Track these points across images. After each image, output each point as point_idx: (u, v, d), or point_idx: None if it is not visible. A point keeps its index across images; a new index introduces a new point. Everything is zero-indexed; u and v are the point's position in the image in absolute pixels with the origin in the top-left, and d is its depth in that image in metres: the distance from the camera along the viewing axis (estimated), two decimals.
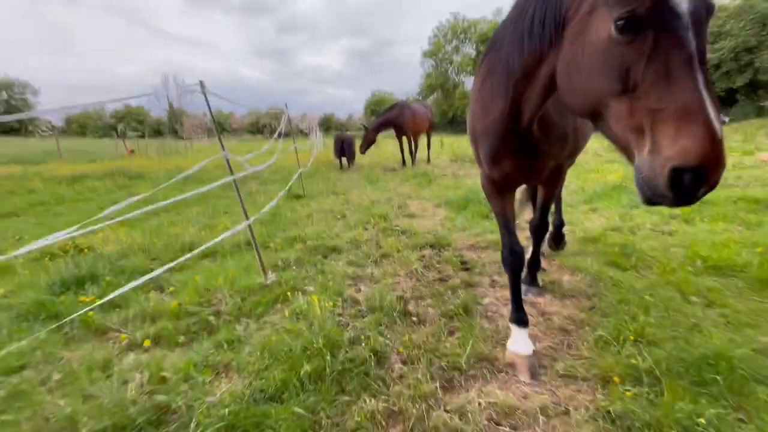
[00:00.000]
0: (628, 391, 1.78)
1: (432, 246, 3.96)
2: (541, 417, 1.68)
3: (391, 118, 10.58)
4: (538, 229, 2.63)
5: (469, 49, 51.10)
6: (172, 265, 2.61)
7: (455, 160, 11.65)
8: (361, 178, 9.14)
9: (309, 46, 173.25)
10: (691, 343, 2.09)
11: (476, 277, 3.16)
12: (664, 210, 4.51)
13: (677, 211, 4.52)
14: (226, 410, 1.67)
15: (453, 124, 45.71)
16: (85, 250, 3.86)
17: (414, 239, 4.14)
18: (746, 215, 4.35)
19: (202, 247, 3.01)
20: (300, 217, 5.30)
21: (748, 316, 2.38)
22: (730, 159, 8.58)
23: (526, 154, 1.91)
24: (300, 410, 1.70)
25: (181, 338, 2.34)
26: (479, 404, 1.78)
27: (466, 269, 3.34)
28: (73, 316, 2.29)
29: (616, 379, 1.86)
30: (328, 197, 6.83)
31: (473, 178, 8.05)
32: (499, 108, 1.80)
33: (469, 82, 47.25)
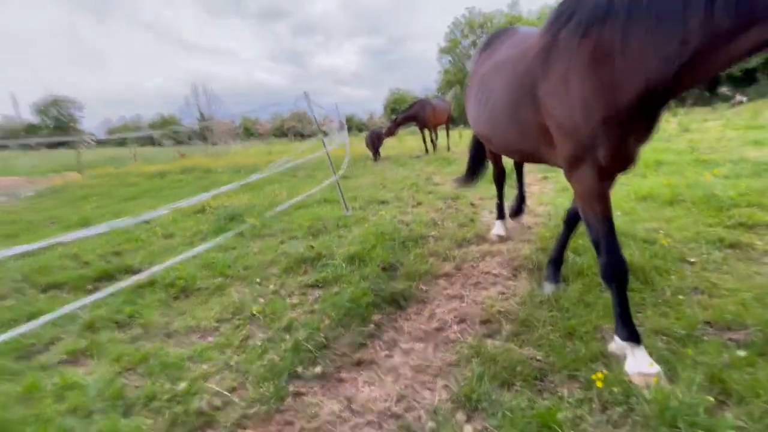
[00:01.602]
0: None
1: (451, 198, 5.68)
2: (505, 248, 3.40)
3: (412, 114, 12.32)
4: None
5: None
6: (289, 204, 4.45)
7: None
8: (391, 164, 10.90)
9: (325, 47, 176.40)
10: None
11: (479, 210, 4.86)
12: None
13: (638, 170, 6.03)
14: (349, 250, 3.47)
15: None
16: (220, 207, 5.81)
17: (438, 195, 5.87)
18: (691, 172, 5.81)
19: (302, 197, 4.85)
20: (352, 187, 7.12)
21: (647, 217, 3.97)
22: (723, 133, 9.76)
23: (643, 139, 1.79)
24: (383, 256, 3.45)
25: (311, 234, 4.17)
26: (475, 251, 3.50)
27: (473, 205, 5.06)
28: (244, 227, 4.17)
29: None
30: (368, 176, 8.64)
31: None
32: (634, 90, 1.55)
33: None
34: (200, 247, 3.55)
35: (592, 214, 1.91)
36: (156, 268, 3.09)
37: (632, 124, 1.69)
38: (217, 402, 1.93)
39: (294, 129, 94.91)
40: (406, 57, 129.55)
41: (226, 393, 1.99)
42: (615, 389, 1.70)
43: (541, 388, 1.84)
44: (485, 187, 6.47)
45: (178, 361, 2.25)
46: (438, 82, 54.44)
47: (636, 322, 1.99)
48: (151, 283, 3.28)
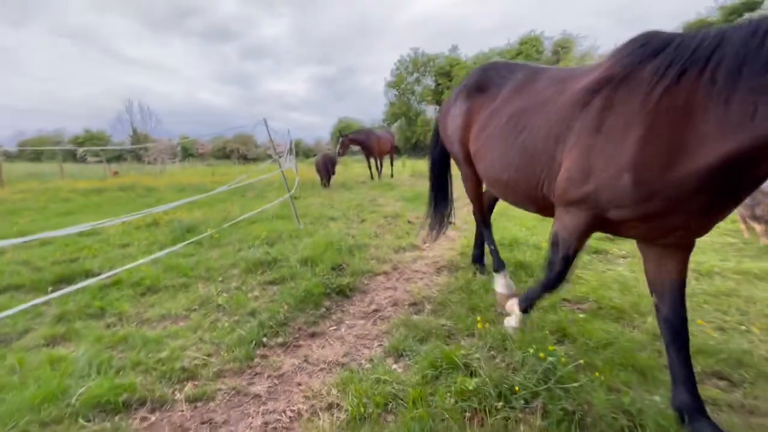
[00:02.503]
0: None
1: (392, 216, 6.45)
2: (431, 254, 4.18)
3: (360, 140, 13.22)
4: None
5: (429, 81, 55.52)
6: (243, 217, 4.92)
7: (413, 176, 14.39)
8: (338, 187, 11.58)
9: (274, 72, 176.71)
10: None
11: (414, 226, 5.67)
12: None
13: None
14: (302, 254, 4.03)
15: (416, 149, 49.14)
16: (174, 221, 6.03)
17: (381, 213, 6.62)
18: None
19: (255, 212, 5.33)
20: (302, 206, 7.65)
21: (542, 231, 4.99)
22: None
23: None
24: (327, 265, 4.05)
25: (267, 243, 4.66)
26: (408, 256, 4.24)
27: (410, 222, 5.86)
28: (203, 236, 4.56)
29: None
30: (317, 198, 9.21)
31: (422, 184, 10.73)
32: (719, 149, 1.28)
33: (430, 112, 51.14)
34: (161, 253, 3.90)
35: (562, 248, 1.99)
36: (119, 269, 3.42)
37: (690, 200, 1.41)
38: (197, 362, 2.39)
39: (238, 151, 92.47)
40: (355, 87, 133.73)
41: (204, 357, 2.45)
42: (498, 337, 2.45)
43: (448, 342, 2.55)
44: (419, 206, 7.35)
45: (156, 338, 2.66)
46: (385, 114, 56.94)
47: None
48: (116, 283, 3.58)
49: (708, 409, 1.79)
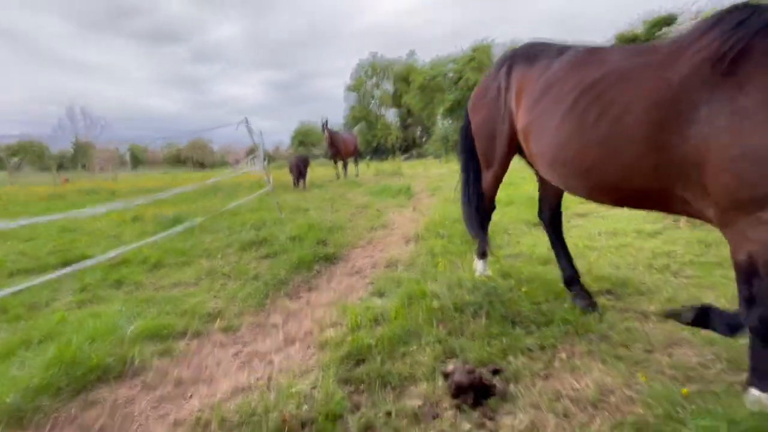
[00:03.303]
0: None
1: (362, 206, 7.15)
2: (400, 231, 4.93)
3: (332, 138, 13.71)
4: None
5: (388, 86, 56.70)
6: (225, 209, 5.43)
7: (377, 174, 15.18)
8: (308, 185, 12.12)
9: (227, 76, 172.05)
10: None
11: (383, 214, 6.41)
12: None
13: None
14: (289, 233, 4.64)
15: (377, 151, 50.07)
16: (159, 214, 6.36)
17: (351, 204, 7.30)
18: (526, 187, 8.20)
19: (236, 203, 5.84)
20: (278, 201, 8.17)
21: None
22: None
23: None
24: (312, 241, 4.68)
25: (254, 229, 5.19)
26: (380, 233, 4.95)
27: (378, 210, 6.60)
28: (193, 222, 5.03)
29: None
30: (290, 195, 9.73)
31: (386, 181, 11.53)
32: None
33: (390, 115, 52.21)
34: (158, 236, 4.36)
35: None
36: (124, 249, 3.87)
37: None
38: (219, 308, 2.96)
39: (193, 158, 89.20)
40: (312, 92, 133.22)
41: (223, 306, 3.02)
42: (454, 278, 3.21)
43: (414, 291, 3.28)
44: (384, 198, 8.12)
45: (177, 297, 3.19)
46: (345, 118, 57.51)
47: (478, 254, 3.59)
48: (123, 262, 4.01)
49: (599, 310, 2.64)
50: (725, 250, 3.89)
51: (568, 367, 2.15)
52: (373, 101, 56.65)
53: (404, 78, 47.92)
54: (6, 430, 1.76)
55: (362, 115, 56.83)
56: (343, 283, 3.50)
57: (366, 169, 18.79)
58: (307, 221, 5.28)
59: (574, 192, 2.26)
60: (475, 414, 1.83)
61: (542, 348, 2.32)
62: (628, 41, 22.05)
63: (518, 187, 8.20)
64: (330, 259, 4.02)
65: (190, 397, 2.02)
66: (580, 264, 3.32)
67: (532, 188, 7.45)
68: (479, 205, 3.12)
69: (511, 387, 2.00)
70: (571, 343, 2.37)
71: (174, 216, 5.87)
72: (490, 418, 1.81)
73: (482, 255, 3.28)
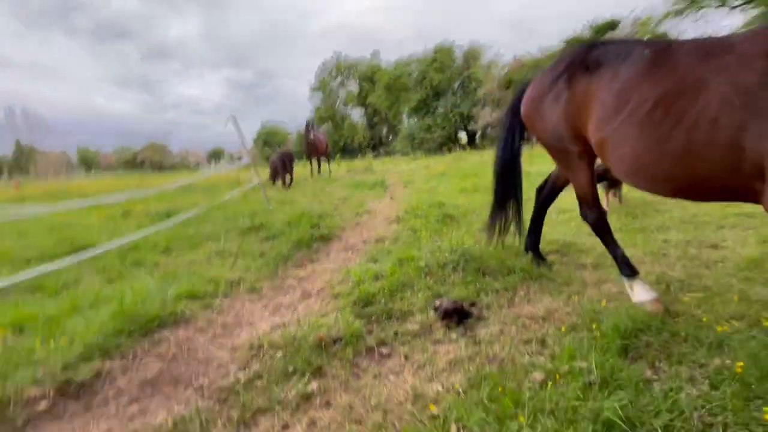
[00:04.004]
0: None
1: (344, 198, 7.73)
2: (382, 215, 5.57)
3: (309, 137, 14.03)
4: None
5: (353, 86, 57.02)
6: (212, 205, 5.85)
7: (350, 171, 15.74)
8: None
9: (183, 75, 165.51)
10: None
11: (365, 203, 7.02)
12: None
13: (460, 175, 9.07)
14: (284, 219, 5.15)
15: (345, 151, 50.34)
16: (149, 210, 6.61)
17: (333, 197, 7.86)
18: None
19: (230, 194, 6.25)
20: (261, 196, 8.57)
21: (461, 198, 6.64)
22: None
23: None
24: (307, 225, 5.22)
25: (249, 218, 5.65)
26: (366, 218, 5.57)
27: (359, 201, 7.21)
28: (191, 214, 5.42)
29: None
30: (271, 191, 10.09)
31: (360, 177, 12.13)
32: None
33: (356, 115, 52.47)
34: (161, 225, 4.74)
35: None
36: (134, 236, 4.26)
37: None
38: (239, 276, 3.47)
39: (151, 161, 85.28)
40: (275, 92, 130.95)
41: (241, 275, 3.53)
42: (435, 246, 3.87)
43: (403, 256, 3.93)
44: (362, 191, 8.74)
45: (197, 270, 3.65)
46: (310, 118, 57.29)
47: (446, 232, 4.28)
48: (135, 247, 4.38)
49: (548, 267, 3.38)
50: (646, 221, 4.82)
51: (525, 300, 2.87)
52: (338, 101, 56.86)
53: (369, 78, 48.30)
54: (98, 360, 2.23)
55: (328, 115, 56.81)
56: (341, 256, 4.09)
57: (337, 168, 19.28)
58: (299, 209, 5.80)
59: (657, 193, 2.33)
60: (459, 329, 2.49)
61: (506, 289, 3.03)
62: (575, 45, 23.84)
63: (482, 177, 9.07)
64: (325, 239, 4.58)
65: (238, 334, 2.56)
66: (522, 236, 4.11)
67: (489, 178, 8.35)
68: (509, 216, 3.44)
69: (484, 312, 2.69)
70: (527, 285, 3.10)
71: (166, 210, 6.18)
72: (470, 330, 2.48)
73: (631, 271, 2.60)
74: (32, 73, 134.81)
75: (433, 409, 1.75)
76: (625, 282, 2.64)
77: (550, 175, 3.36)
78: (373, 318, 2.65)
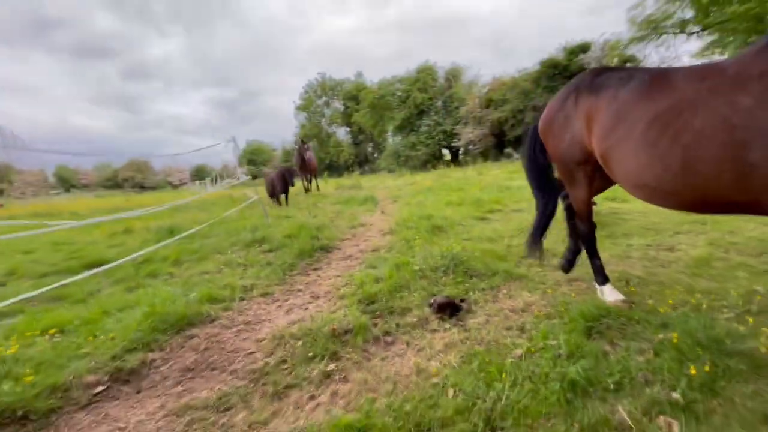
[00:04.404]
0: None
1: (336, 213, 8.12)
2: (376, 227, 5.99)
3: (302, 154, 14.42)
4: None
5: (338, 105, 57.95)
6: (213, 221, 6.18)
7: (338, 188, 16.17)
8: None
9: (165, 94, 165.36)
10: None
11: (357, 216, 7.42)
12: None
13: (446, 190, 9.60)
14: (284, 233, 5.52)
15: (330, 168, 50.80)
16: (150, 226, 6.85)
17: (328, 211, 8.25)
18: (472, 191, 9.63)
19: (230, 211, 6.58)
20: (257, 212, 8.89)
21: (448, 210, 7.13)
22: (498, 175, 14.91)
23: None
24: (307, 237, 5.59)
25: (250, 231, 5.97)
26: (361, 230, 5.97)
27: (353, 215, 7.62)
28: (194, 230, 5.73)
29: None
30: (268, 207, 10.42)
31: (349, 193, 12.56)
32: None
33: (341, 133, 53.18)
34: (167, 241, 5.04)
35: None
36: (145, 251, 4.56)
37: None
38: (251, 282, 3.81)
39: (133, 180, 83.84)
40: (259, 110, 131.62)
41: (253, 282, 3.87)
42: (428, 253, 4.30)
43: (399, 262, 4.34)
44: (352, 207, 9.16)
45: (210, 279, 3.97)
46: (296, 136, 57.81)
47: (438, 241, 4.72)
48: (146, 260, 4.67)
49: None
50: (614, 229, 5.37)
51: (507, 296, 3.31)
52: (323, 120, 57.72)
53: (353, 97, 49.18)
54: (140, 352, 2.55)
55: (313, 133, 57.40)
56: (341, 264, 4.47)
57: (325, 185, 19.69)
58: (297, 223, 6.17)
59: (663, 206, 2.47)
60: (451, 320, 2.90)
61: (491, 288, 3.47)
62: (550, 66, 25.19)
63: (466, 191, 9.62)
64: (325, 249, 4.96)
65: (260, 329, 2.91)
66: (509, 242, 4.60)
67: (477, 193, 8.88)
68: (547, 224, 3.36)
69: (472, 307, 3.11)
70: (509, 284, 3.54)
71: (168, 227, 6.46)
72: (461, 321, 2.90)
73: (604, 279, 3.01)
74: (8, 91, 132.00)
75: (435, 377, 2.15)
76: (598, 287, 3.07)
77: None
78: (376, 313, 3.04)
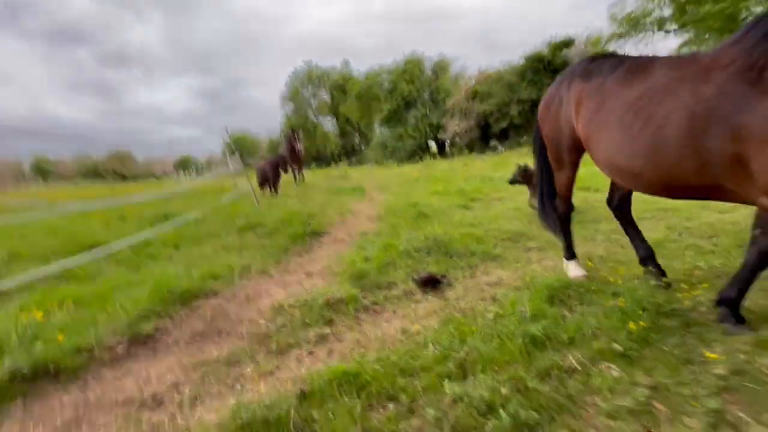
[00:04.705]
0: None
1: (326, 202, 8.40)
2: (365, 214, 6.31)
3: (292, 144, 14.42)
4: None
5: (325, 95, 57.45)
6: (225, 200, 6.39)
7: (326, 179, 16.43)
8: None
9: (145, 82, 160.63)
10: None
11: (347, 205, 7.72)
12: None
13: (432, 180, 9.95)
14: (277, 219, 5.78)
15: (317, 159, 50.59)
16: (143, 214, 7.01)
17: (316, 200, 8.52)
18: (457, 181, 10.00)
19: (227, 198, 6.79)
20: (247, 201, 9.09)
21: (433, 199, 7.48)
22: (483, 166, 15.34)
23: None
24: (298, 223, 5.86)
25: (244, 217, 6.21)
26: (350, 216, 6.28)
27: (342, 203, 7.91)
28: (186, 218, 5.95)
29: None
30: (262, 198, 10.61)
31: (337, 183, 12.83)
32: None
33: (327, 124, 52.80)
34: (163, 227, 5.25)
35: None
36: (143, 234, 4.77)
37: None
38: (249, 263, 4.09)
39: (114, 171, 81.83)
40: (243, 100, 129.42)
41: (250, 262, 4.15)
42: (412, 236, 4.63)
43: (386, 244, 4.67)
44: (341, 197, 9.45)
45: (210, 258, 4.23)
46: (282, 127, 57.29)
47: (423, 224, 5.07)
48: (146, 244, 4.89)
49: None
50: (584, 215, 5.80)
51: (483, 273, 3.68)
52: (309, 110, 57.28)
53: (340, 87, 48.82)
54: (153, 320, 2.82)
55: (299, 123, 56.75)
56: (332, 247, 4.78)
57: (313, 176, 19.86)
58: (288, 210, 6.43)
59: (635, 189, 2.64)
60: (433, 293, 3.25)
61: (469, 266, 3.83)
62: (535, 60, 25.68)
63: (451, 182, 9.99)
64: (317, 234, 5.26)
65: (260, 301, 3.21)
66: (487, 227, 4.98)
67: (461, 183, 9.27)
68: (554, 205, 3.40)
69: (452, 282, 3.46)
70: (486, 263, 3.91)
71: (163, 213, 6.63)
72: (441, 293, 3.25)
73: (571, 256, 3.28)
74: None
75: (417, 336, 2.49)
76: (565, 262, 3.37)
77: (610, 187, 3.37)
78: (366, 287, 3.37)
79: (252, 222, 5.76)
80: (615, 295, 2.88)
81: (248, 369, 2.28)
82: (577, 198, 6.95)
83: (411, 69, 35.58)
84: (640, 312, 2.52)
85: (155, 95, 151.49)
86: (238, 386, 2.12)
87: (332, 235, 5.31)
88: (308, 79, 56.83)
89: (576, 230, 4.83)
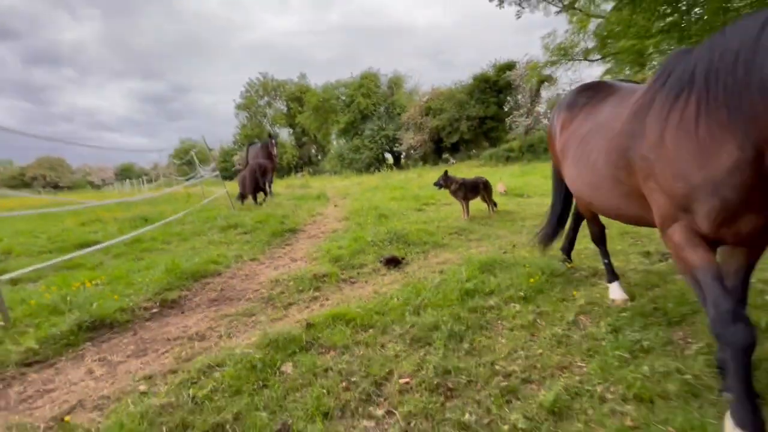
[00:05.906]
0: None
1: (295, 206, 9.13)
2: (332, 215, 7.19)
3: (273, 154, 14.42)
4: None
5: (281, 106, 57.34)
6: (183, 213, 6.97)
7: (288, 187, 16.99)
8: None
9: (79, 84, 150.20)
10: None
11: (317, 209, 8.52)
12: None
13: (393, 188, 11.00)
14: (254, 219, 6.49)
15: (275, 169, 49.93)
16: (119, 217, 7.34)
17: (288, 205, 9.23)
18: (412, 189, 11.12)
19: (206, 201, 7.35)
20: (218, 206, 9.57)
21: (392, 204, 8.49)
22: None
23: None
24: (275, 222, 6.61)
25: (223, 219, 6.82)
26: (320, 218, 7.11)
27: (311, 208, 8.70)
28: (168, 219, 6.49)
29: None
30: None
31: (300, 191, 13.53)
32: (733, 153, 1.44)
33: (283, 134, 52.67)
34: (147, 228, 5.79)
35: (691, 268, 1.67)
36: (133, 233, 5.33)
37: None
38: (238, 253, 4.81)
39: (44, 179, 75.34)
40: (192, 107, 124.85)
41: (241, 252, 4.87)
42: (380, 231, 5.58)
43: (356, 236, 5.57)
44: (310, 203, 10.23)
45: (203, 251, 4.90)
46: (236, 136, 56.39)
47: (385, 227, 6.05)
48: (136, 241, 5.41)
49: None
50: (515, 216, 7.08)
51: (434, 256, 4.69)
52: (265, 120, 56.89)
53: (297, 98, 49.10)
54: (174, 291, 3.52)
55: (255, 133, 56.20)
56: (309, 241, 5.61)
57: (274, 185, 20.29)
58: (263, 212, 7.13)
59: (597, 213, 2.84)
60: (396, 269, 4.20)
61: (423, 252, 4.83)
62: (482, 80, 27.99)
63: (407, 190, 11.11)
64: (293, 231, 6.04)
65: (258, 278, 3.98)
66: (438, 224, 6.04)
67: (416, 191, 10.40)
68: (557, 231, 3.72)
69: (410, 262, 4.44)
70: (436, 250, 4.94)
71: (140, 215, 7.06)
72: (402, 269, 4.21)
73: (612, 278, 3.11)
74: None
75: (385, 294, 3.43)
76: (609, 286, 3.13)
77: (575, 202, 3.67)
78: (343, 267, 4.25)
79: (231, 223, 6.41)
80: (527, 266, 4.00)
81: (262, 317, 3.08)
82: (512, 202, 8.32)
83: (367, 83, 36.86)
84: (540, 273, 3.64)
85: (89, 98, 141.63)
86: (258, 328, 2.92)
87: (306, 232, 6.12)
88: (264, 90, 56.61)
89: (506, 226, 6.06)
